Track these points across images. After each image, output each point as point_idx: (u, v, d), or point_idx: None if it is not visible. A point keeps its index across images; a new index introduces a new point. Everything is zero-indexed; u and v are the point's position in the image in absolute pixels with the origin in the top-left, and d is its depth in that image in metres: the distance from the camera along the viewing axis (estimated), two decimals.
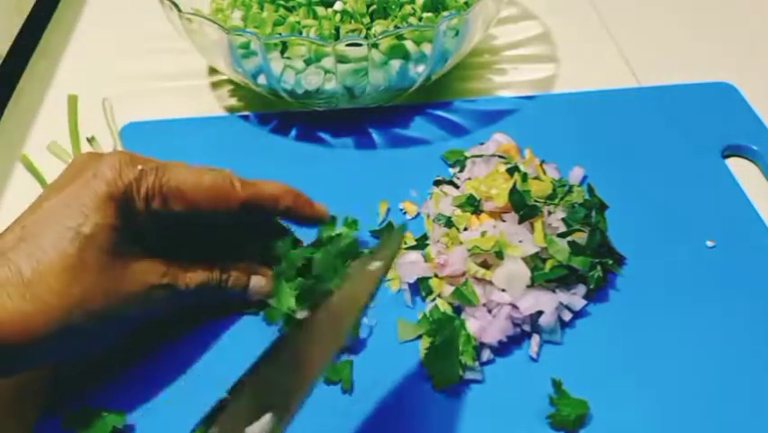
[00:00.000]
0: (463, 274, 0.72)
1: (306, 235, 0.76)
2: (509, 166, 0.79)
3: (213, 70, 1.07)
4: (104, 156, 0.64)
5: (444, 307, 0.71)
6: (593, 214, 0.75)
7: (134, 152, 0.66)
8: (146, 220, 0.64)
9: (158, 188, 0.64)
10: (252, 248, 0.74)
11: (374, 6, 0.93)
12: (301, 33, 0.91)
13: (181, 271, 0.67)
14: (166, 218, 0.65)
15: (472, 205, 0.76)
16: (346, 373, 0.68)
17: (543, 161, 0.84)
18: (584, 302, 0.72)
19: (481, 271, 0.71)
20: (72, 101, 0.80)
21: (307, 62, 0.88)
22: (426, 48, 0.88)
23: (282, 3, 0.95)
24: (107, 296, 0.61)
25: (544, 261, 0.72)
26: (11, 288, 0.56)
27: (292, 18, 0.93)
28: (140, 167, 0.63)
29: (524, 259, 0.71)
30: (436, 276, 0.74)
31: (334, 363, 0.68)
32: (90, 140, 0.93)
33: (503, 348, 0.70)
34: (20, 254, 0.58)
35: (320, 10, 0.93)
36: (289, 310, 0.70)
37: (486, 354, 0.69)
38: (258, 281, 0.72)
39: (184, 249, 0.69)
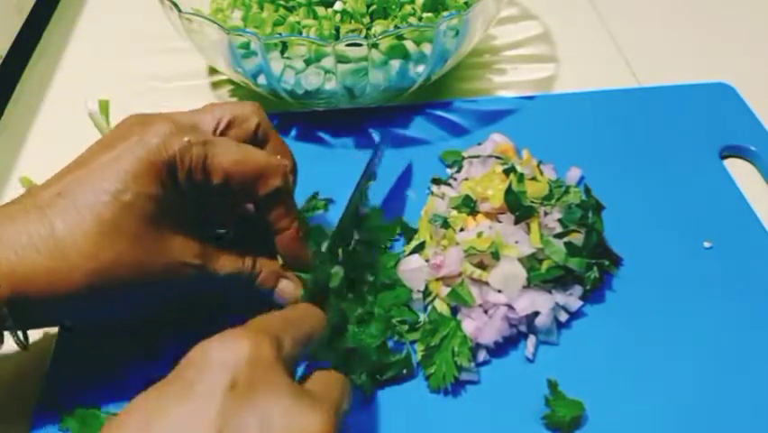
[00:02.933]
0: (459, 275, 0.72)
1: None
2: (506, 167, 0.79)
3: (213, 70, 1.07)
4: (152, 121, 0.63)
5: (442, 307, 0.71)
6: (590, 214, 0.75)
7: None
8: (186, 193, 0.63)
9: (202, 161, 0.63)
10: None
11: (374, 6, 0.93)
12: (301, 33, 0.91)
13: (215, 255, 0.66)
14: (204, 193, 0.64)
15: (468, 206, 0.76)
16: None
17: (540, 162, 0.84)
18: (580, 303, 0.73)
19: (477, 272, 0.71)
20: (104, 105, 0.80)
21: (307, 62, 0.88)
22: (426, 48, 0.88)
23: (282, 3, 0.95)
24: (137, 266, 0.61)
25: (541, 261, 0.72)
26: (42, 243, 0.57)
27: (292, 18, 0.93)
28: (186, 139, 0.62)
29: (520, 260, 0.71)
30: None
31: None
32: None
33: (499, 349, 0.70)
34: (56, 211, 0.58)
35: (320, 10, 0.93)
36: None
37: (482, 355, 0.69)
38: (287, 285, 0.70)
39: (218, 239, 0.69)
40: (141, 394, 0.49)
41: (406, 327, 0.70)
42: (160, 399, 0.48)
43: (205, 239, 0.66)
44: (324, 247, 0.68)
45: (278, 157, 0.68)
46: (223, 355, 0.49)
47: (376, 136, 0.94)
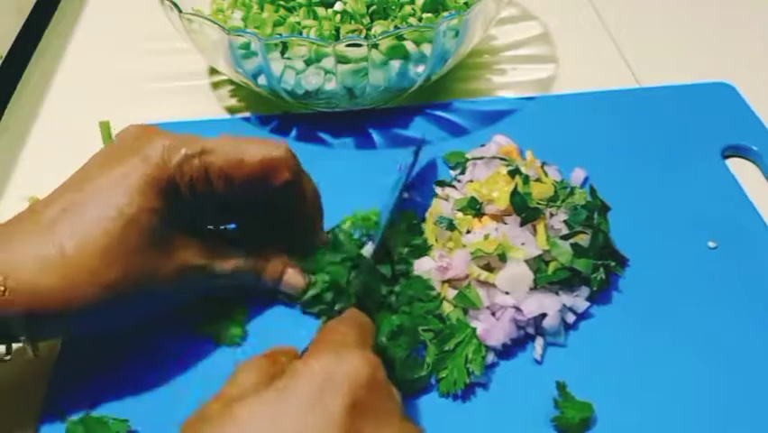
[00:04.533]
0: (466, 277, 0.72)
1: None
2: (510, 168, 0.79)
3: (213, 71, 1.07)
4: (152, 138, 0.64)
5: (449, 309, 0.71)
6: (595, 215, 0.75)
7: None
8: (190, 203, 0.65)
9: (203, 171, 0.64)
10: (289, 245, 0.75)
11: (374, 7, 0.93)
12: (301, 34, 0.91)
13: (218, 254, 0.68)
14: (210, 200, 0.66)
15: (474, 208, 0.76)
16: None
17: (544, 163, 0.84)
18: (587, 304, 0.72)
19: (484, 274, 0.71)
20: (105, 127, 0.80)
21: (308, 63, 0.88)
22: (426, 48, 0.88)
23: (282, 3, 0.95)
24: (144, 278, 0.62)
25: (547, 263, 0.72)
26: (52, 264, 0.58)
27: (292, 18, 0.93)
28: (183, 151, 0.63)
29: (526, 261, 0.71)
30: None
31: None
32: None
33: (507, 351, 0.70)
34: (63, 229, 0.59)
35: (320, 10, 0.93)
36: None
37: (490, 357, 0.69)
38: (292, 276, 0.72)
39: (223, 235, 0.71)
40: (245, 405, 0.49)
41: (431, 335, 0.70)
42: (276, 414, 0.49)
43: (209, 237, 0.68)
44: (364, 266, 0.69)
45: (278, 145, 0.68)
46: (341, 373, 0.50)
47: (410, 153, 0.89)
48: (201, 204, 0.66)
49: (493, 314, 0.70)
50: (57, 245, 0.58)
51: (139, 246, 0.61)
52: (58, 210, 0.60)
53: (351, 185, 0.85)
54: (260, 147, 0.67)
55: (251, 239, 0.72)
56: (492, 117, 0.97)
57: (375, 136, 0.95)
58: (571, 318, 0.72)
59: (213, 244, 0.68)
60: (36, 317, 0.58)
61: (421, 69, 0.90)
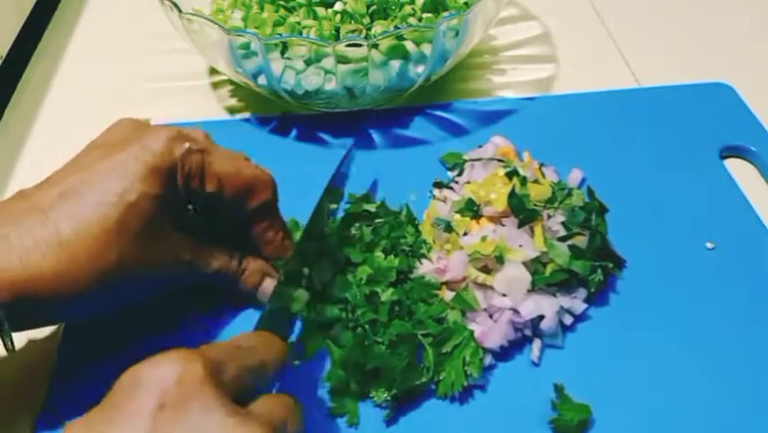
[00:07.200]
0: (464, 279, 0.72)
1: None
2: (508, 170, 0.79)
3: (213, 71, 1.07)
4: (152, 128, 0.66)
5: (447, 311, 0.71)
6: (593, 217, 0.75)
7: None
8: (183, 196, 0.66)
9: (200, 169, 0.65)
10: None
11: (374, 7, 0.93)
12: (301, 34, 0.91)
13: (205, 252, 0.69)
14: (199, 198, 0.67)
15: (471, 209, 0.76)
16: (353, 408, 0.67)
17: (542, 164, 0.84)
18: (585, 306, 0.72)
19: (482, 276, 0.71)
20: None
21: (308, 63, 0.88)
22: (426, 48, 0.88)
23: (282, 3, 0.95)
24: (140, 263, 0.62)
25: (545, 265, 0.72)
26: (46, 247, 0.58)
27: (292, 18, 0.93)
28: (187, 145, 0.65)
29: (524, 263, 0.71)
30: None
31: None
32: None
33: (504, 353, 0.70)
34: (60, 213, 0.59)
35: (320, 10, 0.93)
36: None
37: (487, 360, 0.69)
38: (270, 285, 0.73)
39: (209, 234, 0.71)
40: (71, 424, 0.48)
41: (430, 339, 0.69)
42: (89, 425, 0.48)
43: (197, 236, 0.69)
44: (281, 275, 0.69)
45: (266, 171, 0.71)
46: (151, 377, 0.49)
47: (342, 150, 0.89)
48: (190, 199, 0.67)
49: (490, 316, 0.70)
50: (52, 230, 0.58)
51: (136, 232, 0.61)
52: (54, 195, 0.60)
53: (350, 186, 0.85)
54: (252, 166, 0.70)
55: (235, 244, 0.73)
56: (492, 118, 0.97)
57: (375, 137, 0.95)
58: (568, 320, 0.72)
59: (199, 241, 0.69)
60: (26, 304, 0.58)
61: (421, 69, 0.90)
